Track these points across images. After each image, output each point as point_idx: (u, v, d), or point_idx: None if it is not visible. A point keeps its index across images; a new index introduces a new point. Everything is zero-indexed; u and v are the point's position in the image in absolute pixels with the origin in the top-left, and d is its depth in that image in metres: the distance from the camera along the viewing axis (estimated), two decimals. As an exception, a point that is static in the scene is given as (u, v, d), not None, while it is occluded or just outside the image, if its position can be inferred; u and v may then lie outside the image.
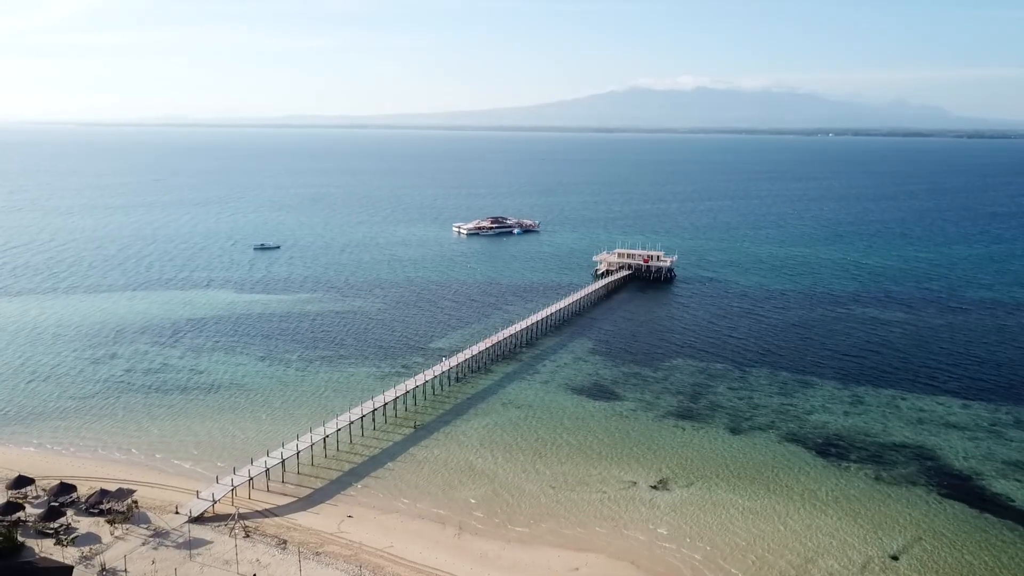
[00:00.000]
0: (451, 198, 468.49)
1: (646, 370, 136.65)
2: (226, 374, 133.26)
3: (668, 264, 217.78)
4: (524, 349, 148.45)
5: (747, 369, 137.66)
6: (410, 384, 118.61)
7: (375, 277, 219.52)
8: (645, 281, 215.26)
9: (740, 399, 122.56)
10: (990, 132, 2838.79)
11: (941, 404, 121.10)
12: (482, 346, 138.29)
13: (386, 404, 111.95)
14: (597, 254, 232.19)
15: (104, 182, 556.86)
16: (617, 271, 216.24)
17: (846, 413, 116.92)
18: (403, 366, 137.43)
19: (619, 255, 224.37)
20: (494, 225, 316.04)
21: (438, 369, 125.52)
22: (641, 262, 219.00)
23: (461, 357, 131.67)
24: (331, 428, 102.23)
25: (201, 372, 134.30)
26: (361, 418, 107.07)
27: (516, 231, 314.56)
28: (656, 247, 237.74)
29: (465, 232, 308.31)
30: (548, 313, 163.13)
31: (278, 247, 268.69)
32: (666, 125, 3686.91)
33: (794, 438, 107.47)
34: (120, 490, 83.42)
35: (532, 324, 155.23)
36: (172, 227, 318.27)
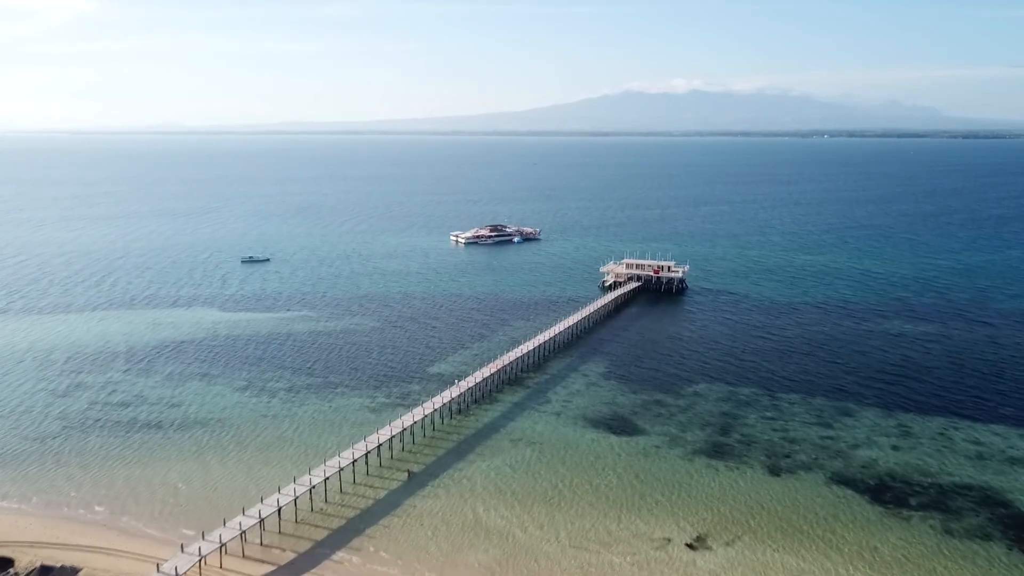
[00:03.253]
0: (447, 205, 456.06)
1: (667, 397, 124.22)
2: (204, 407, 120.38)
3: (680, 275, 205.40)
4: (531, 373, 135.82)
5: (777, 395, 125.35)
6: (407, 420, 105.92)
7: (369, 292, 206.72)
8: (655, 293, 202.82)
9: (775, 431, 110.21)
10: (985, 132, 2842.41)
11: (998, 435, 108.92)
12: (485, 372, 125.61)
13: (380, 445, 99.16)
14: (604, 264, 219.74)
15: (85, 191, 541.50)
16: (626, 283, 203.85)
17: (895, 447, 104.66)
18: (399, 396, 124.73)
19: (627, 265, 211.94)
20: (493, 233, 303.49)
21: (438, 401, 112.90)
22: (651, 273, 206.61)
23: (463, 386, 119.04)
24: (318, 476, 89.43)
25: (176, 405, 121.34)
26: (352, 462, 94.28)
27: (516, 239, 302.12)
28: (664, 256, 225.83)
29: (463, 241, 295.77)
30: (556, 332, 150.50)
31: (267, 259, 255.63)
32: (660, 128, 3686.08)
33: (842, 480, 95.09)
34: (63, 567, 70.64)
35: (539, 345, 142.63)
36: (154, 239, 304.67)
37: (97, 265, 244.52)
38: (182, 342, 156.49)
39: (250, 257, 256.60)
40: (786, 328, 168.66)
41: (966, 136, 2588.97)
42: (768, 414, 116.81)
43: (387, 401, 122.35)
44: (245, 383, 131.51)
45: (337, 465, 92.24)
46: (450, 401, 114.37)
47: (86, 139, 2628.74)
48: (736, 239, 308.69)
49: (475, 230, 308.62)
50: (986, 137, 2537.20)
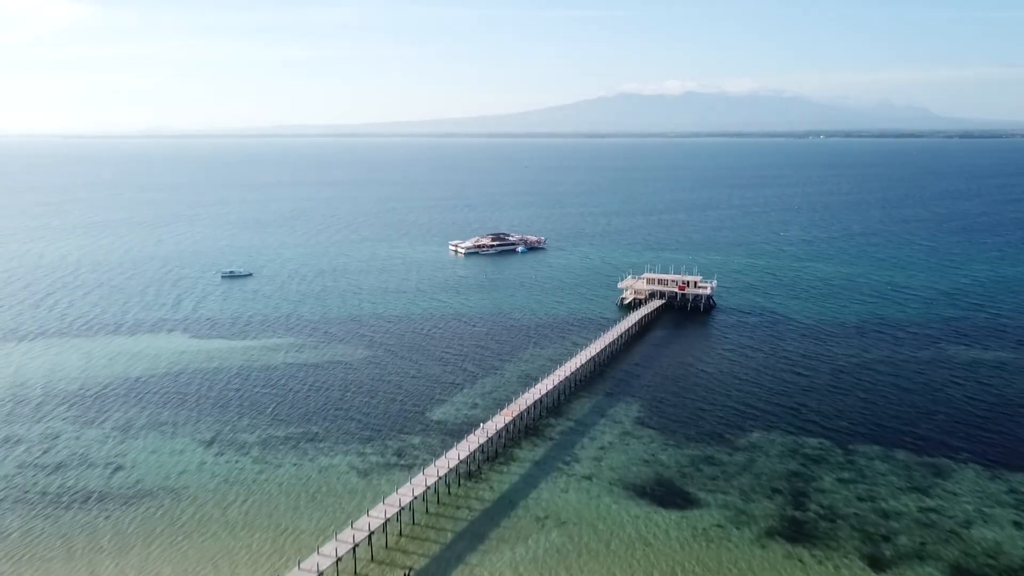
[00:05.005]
0: (444, 211, 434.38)
1: (718, 451, 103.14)
2: (156, 470, 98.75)
3: (708, 291, 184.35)
4: (551, 420, 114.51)
5: (849, 447, 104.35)
6: (404, 495, 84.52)
7: (360, 312, 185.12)
8: (681, 312, 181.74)
9: (861, 501, 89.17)
10: (979, 132, 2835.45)
11: None
12: (499, 422, 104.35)
13: (371, 532, 77.80)
14: (621, 279, 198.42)
15: (59, 198, 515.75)
16: (647, 300, 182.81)
17: (1017, 524, 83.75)
18: (394, 452, 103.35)
19: (648, 280, 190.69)
20: (495, 242, 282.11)
21: (442, 465, 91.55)
22: (676, 289, 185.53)
23: (472, 442, 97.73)
24: (288, 587, 68.12)
25: (124, 467, 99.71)
26: (336, 561, 72.95)
27: (520, 249, 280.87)
28: (681, 267, 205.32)
29: (463, 251, 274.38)
30: (577, 366, 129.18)
31: (249, 274, 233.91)
32: (655, 130, 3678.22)
33: (966, 577, 74.26)
34: None
35: (559, 383, 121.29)
36: (125, 251, 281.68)
37: (54, 282, 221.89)
38: (143, 378, 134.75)
39: (231, 272, 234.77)
40: (833, 357, 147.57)
41: (961, 136, 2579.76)
42: (846, 475, 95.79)
43: (380, 460, 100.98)
44: (211, 434, 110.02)
45: (315, 568, 70.86)
46: (457, 464, 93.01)
47: (79, 143, 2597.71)
48: (751, 247, 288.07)
49: (476, 239, 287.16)
50: (981, 137, 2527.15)
